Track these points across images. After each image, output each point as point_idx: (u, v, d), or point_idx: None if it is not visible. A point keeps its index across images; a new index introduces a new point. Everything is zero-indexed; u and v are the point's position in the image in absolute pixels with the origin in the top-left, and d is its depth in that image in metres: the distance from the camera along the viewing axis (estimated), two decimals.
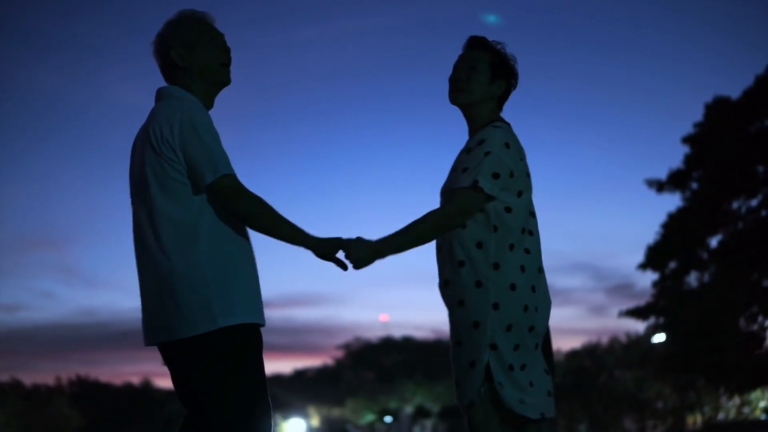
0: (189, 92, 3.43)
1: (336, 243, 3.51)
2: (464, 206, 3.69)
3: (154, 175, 3.28)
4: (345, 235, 3.60)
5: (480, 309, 3.68)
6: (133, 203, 3.44)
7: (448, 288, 3.81)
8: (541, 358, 3.81)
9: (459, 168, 3.78)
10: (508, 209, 3.72)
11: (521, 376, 3.69)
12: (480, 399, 3.68)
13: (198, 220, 3.27)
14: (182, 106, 3.30)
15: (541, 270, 3.83)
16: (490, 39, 3.95)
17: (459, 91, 3.88)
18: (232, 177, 3.29)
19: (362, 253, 3.59)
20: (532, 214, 3.84)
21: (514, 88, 3.98)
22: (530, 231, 3.81)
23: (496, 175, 3.67)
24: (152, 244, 3.29)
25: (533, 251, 3.80)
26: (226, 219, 3.33)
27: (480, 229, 3.71)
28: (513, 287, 3.68)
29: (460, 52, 3.95)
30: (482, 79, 3.86)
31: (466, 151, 3.81)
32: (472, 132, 3.92)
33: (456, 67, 3.93)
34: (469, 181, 3.67)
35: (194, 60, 3.46)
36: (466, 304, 3.72)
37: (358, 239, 3.61)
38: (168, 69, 3.50)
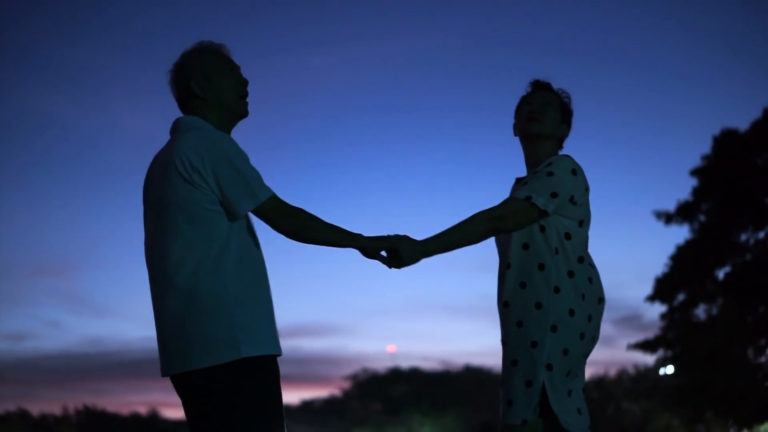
0: (206, 122, 3.41)
1: (385, 241, 3.62)
2: (512, 212, 3.76)
3: (182, 203, 3.22)
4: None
5: (539, 330, 3.74)
6: (149, 230, 3.40)
7: (507, 309, 3.86)
8: (581, 388, 3.88)
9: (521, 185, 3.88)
10: (567, 235, 3.81)
11: (569, 402, 3.76)
12: (534, 418, 3.73)
13: (224, 248, 3.23)
14: (208, 135, 3.28)
15: (601, 301, 3.90)
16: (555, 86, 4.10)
17: (535, 121, 3.97)
18: (273, 198, 3.30)
19: (411, 251, 3.66)
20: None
21: (566, 138, 4.11)
22: (591, 262, 3.90)
23: (554, 195, 3.75)
24: (175, 272, 3.23)
25: (595, 282, 3.88)
26: (249, 248, 3.33)
27: (542, 251, 3.79)
28: (571, 313, 3.75)
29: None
30: (556, 117, 4.00)
31: (533, 173, 3.89)
32: (531, 165, 4.00)
33: (529, 101, 4.04)
34: (523, 194, 3.76)
35: (213, 90, 3.44)
36: (525, 325, 3.78)
37: (406, 237, 3.67)
38: (186, 99, 3.47)
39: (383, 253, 3.67)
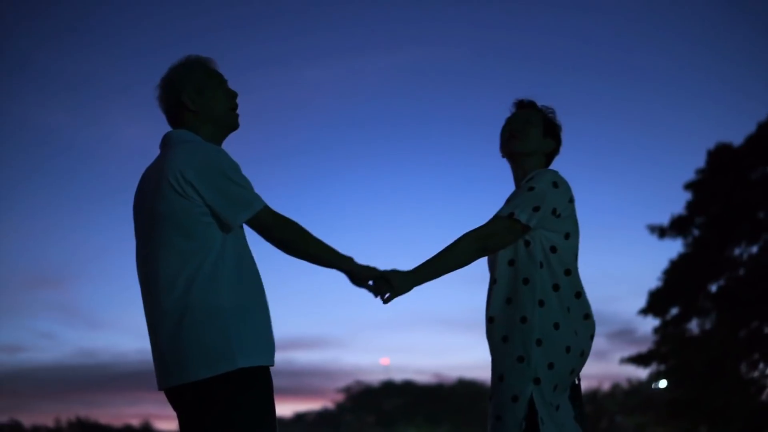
0: (197, 135, 3.41)
1: (375, 270, 3.64)
2: (496, 230, 3.78)
3: (175, 217, 3.23)
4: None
5: (524, 344, 3.74)
6: (141, 245, 3.41)
7: (492, 324, 3.87)
8: (569, 402, 3.87)
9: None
10: (553, 249, 3.81)
11: (557, 415, 3.74)
12: None
13: (219, 260, 3.24)
14: (201, 148, 3.29)
15: (588, 317, 3.89)
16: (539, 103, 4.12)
17: (515, 139, 4.00)
18: (267, 207, 3.33)
19: (402, 280, 3.70)
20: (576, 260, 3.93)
21: (557, 153, 4.12)
22: (578, 275, 3.90)
23: (536, 209, 3.75)
24: (170, 285, 3.23)
25: (582, 297, 3.87)
26: (244, 259, 3.33)
27: (527, 265, 3.80)
28: (557, 326, 3.75)
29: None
30: (537, 132, 4.01)
31: (516, 189, 3.92)
32: (519, 182, 4.01)
33: (510, 121, 4.07)
34: (506, 212, 3.77)
35: (204, 104, 3.45)
36: (510, 340, 3.79)
37: (395, 270, 3.70)
38: (176, 112, 3.48)
39: (371, 282, 3.68)
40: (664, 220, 25.12)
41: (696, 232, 24.74)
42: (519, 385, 3.72)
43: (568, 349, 3.76)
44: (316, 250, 3.45)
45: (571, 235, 3.87)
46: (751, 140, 23.55)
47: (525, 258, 3.81)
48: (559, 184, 3.84)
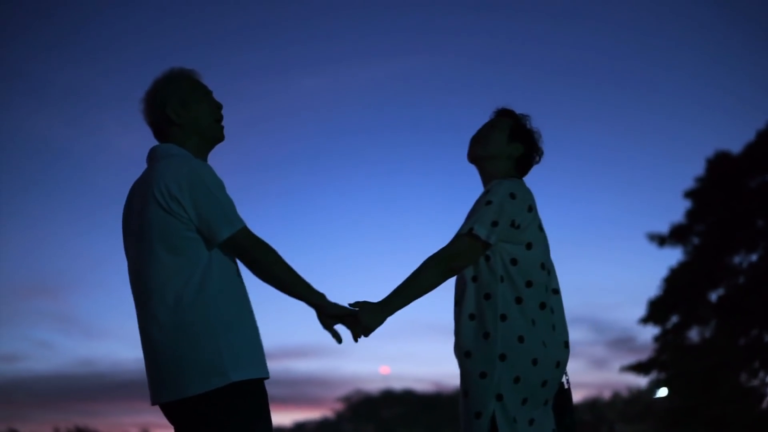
0: (183, 149, 3.42)
1: (344, 309, 3.58)
2: (458, 251, 3.73)
3: (161, 232, 3.24)
4: (346, 297, 3.64)
5: (487, 360, 3.68)
6: (130, 259, 3.42)
7: (457, 339, 3.81)
8: (551, 415, 3.81)
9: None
10: (514, 261, 3.74)
11: (527, 430, 3.68)
12: None
13: (206, 275, 3.24)
14: (186, 163, 3.29)
15: (555, 327, 3.81)
16: (517, 112, 4.06)
17: (475, 144, 3.97)
18: (246, 227, 3.31)
19: (372, 316, 3.65)
20: (547, 269, 3.86)
21: (538, 161, 4.05)
22: (548, 287, 3.83)
23: (494, 223, 3.69)
24: (159, 300, 3.24)
25: (548, 306, 3.80)
26: (230, 273, 3.33)
27: (488, 280, 3.74)
28: (521, 339, 3.68)
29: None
30: (500, 137, 3.95)
31: (476, 202, 3.84)
32: (485, 187, 3.95)
33: (478, 129, 4.03)
34: (466, 229, 3.71)
35: (189, 116, 3.46)
36: (473, 355, 3.72)
37: (365, 303, 3.66)
38: (162, 126, 3.48)
39: (338, 326, 3.62)
40: (664, 228, 25.13)
41: (695, 240, 24.75)
42: (482, 402, 3.67)
43: (535, 362, 3.68)
44: (288, 277, 3.40)
45: (534, 244, 3.80)
46: (750, 148, 23.57)
47: (486, 273, 3.75)
48: (516, 194, 3.77)
